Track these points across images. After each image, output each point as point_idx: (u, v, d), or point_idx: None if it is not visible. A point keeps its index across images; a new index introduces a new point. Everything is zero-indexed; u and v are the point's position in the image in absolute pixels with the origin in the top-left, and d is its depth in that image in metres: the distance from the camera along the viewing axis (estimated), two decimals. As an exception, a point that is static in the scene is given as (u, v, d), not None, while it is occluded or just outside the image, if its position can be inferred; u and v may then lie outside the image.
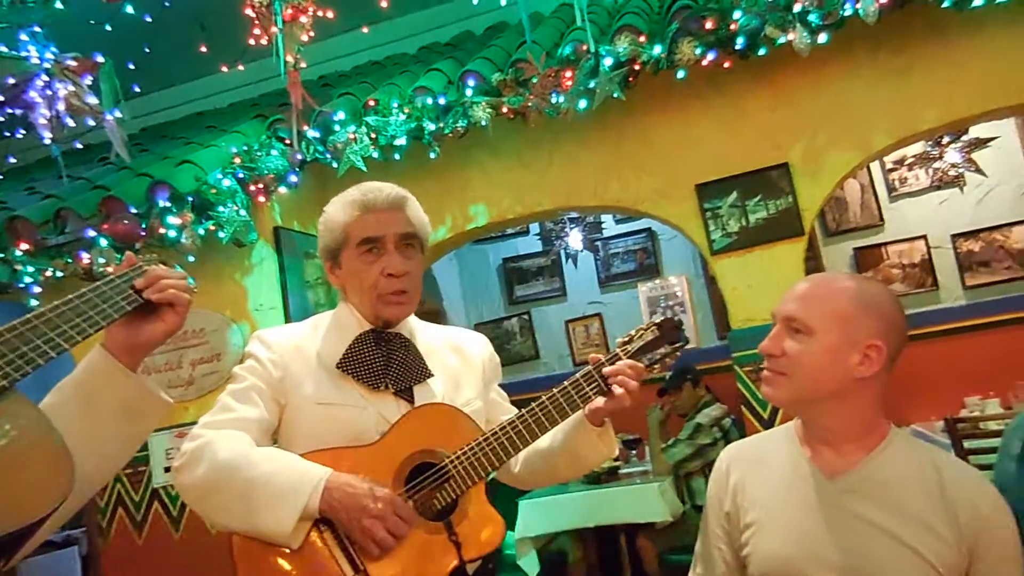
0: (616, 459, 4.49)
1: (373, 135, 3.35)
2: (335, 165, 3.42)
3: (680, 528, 3.75)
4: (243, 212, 3.19)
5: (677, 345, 1.54)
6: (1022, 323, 4.43)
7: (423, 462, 1.47)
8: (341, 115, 3.39)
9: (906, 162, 4.88)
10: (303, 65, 3.21)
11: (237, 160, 3.28)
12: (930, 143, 4.74)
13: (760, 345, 1.38)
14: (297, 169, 3.41)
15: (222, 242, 3.21)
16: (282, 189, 3.42)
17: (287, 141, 3.41)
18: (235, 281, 3.47)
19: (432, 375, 1.56)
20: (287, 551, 1.37)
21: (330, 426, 1.48)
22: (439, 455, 1.47)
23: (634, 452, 4.68)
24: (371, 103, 3.40)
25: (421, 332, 1.65)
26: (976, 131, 4.68)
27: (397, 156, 3.44)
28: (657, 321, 1.55)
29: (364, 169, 3.30)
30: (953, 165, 4.76)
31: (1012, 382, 4.07)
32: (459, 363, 1.64)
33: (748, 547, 1.38)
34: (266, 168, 3.26)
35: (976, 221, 4.78)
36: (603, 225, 5.57)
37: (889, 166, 4.92)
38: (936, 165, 4.80)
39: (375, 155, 3.41)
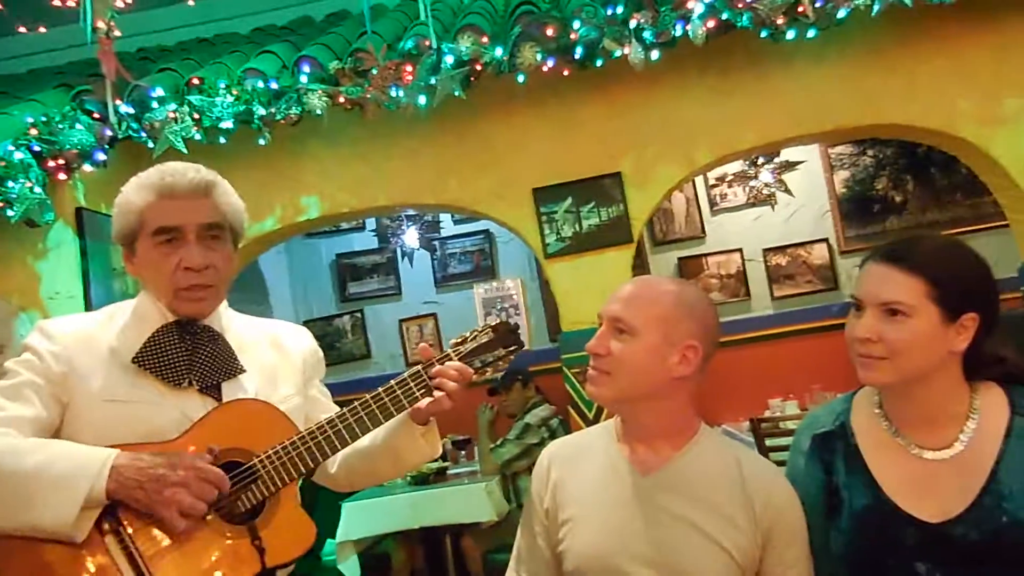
0: (445, 459, 4.47)
1: (196, 116, 3.12)
2: (151, 145, 3.15)
3: (505, 527, 3.79)
4: (38, 189, 2.86)
5: (511, 349, 1.53)
6: (820, 332, 4.84)
7: (229, 461, 1.36)
8: (160, 92, 3.13)
9: (726, 179, 5.23)
10: (116, 33, 2.93)
11: (33, 131, 2.94)
12: (747, 163, 5.11)
13: (587, 345, 1.40)
14: (106, 146, 3.10)
15: (11, 221, 2.87)
16: (87, 167, 3.10)
17: (95, 115, 3.10)
18: (26, 265, 3.10)
19: (244, 371, 1.45)
20: (57, 551, 1.21)
21: (121, 425, 1.34)
22: (247, 454, 1.37)
23: (463, 452, 4.68)
24: (195, 81, 3.17)
25: (235, 324, 1.53)
26: (787, 154, 5.10)
27: (222, 140, 3.23)
28: (493, 324, 1.54)
29: (184, 151, 3.06)
30: (766, 184, 5.15)
31: (809, 386, 4.45)
32: (277, 358, 1.54)
33: (564, 543, 1.39)
34: (68, 143, 2.94)
35: (784, 237, 5.19)
36: (441, 224, 5.55)
37: (711, 182, 5.25)
38: (752, 183, 5.17)
39: (198, 137, 3.18)
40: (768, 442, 3.50)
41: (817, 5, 2.99)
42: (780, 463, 1.48)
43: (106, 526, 1.25)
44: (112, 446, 1.29)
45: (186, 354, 1.40)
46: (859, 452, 1.35)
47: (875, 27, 3.24)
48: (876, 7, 2.98)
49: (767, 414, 4.32)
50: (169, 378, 1.38)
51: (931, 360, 1.26)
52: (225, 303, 1.54)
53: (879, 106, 3.37)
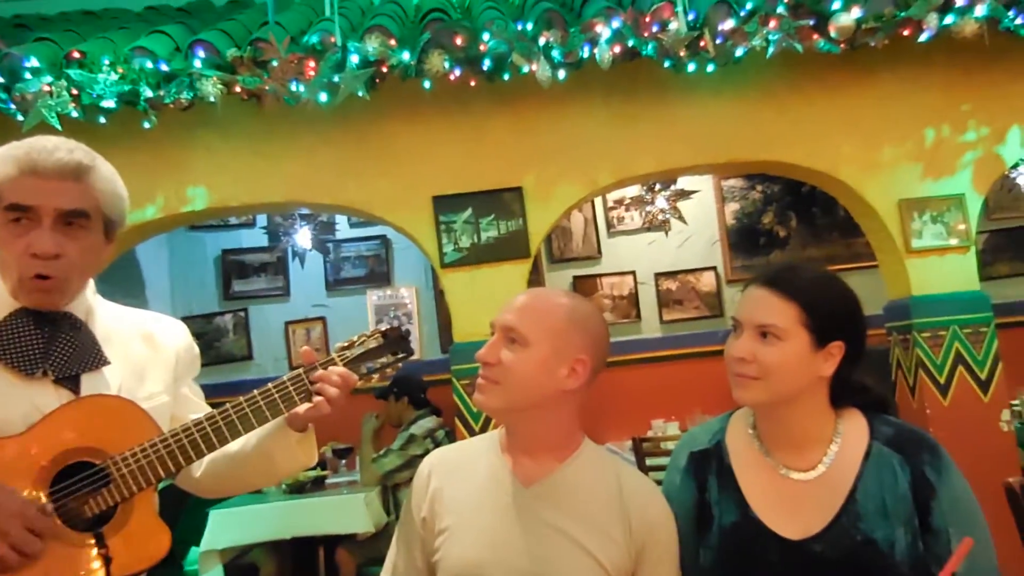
0: (324, 468, 4.34)
1: (75, 91, 2.92)
2: (21, 118, 2.92)
3: (382, 540, 3.70)
4: None
5: (400, 356, 1.49)
6: (704, 357, 4.98)
7: (80, 461, 1.26)
8: (35, 62, 2.91)
9: (624, 203, 5.36)
10: (-11, -4, 2.71)
11: None
12: (645, 188, 5.25)
13: (477, 353, 1.39)
14: (-31, 115, 2.86)
15: None
16: (-54, 135, 2.84)
17: (-42, 80, 2.85)
18: None
19: (108, 363, 1.35)
20: None
21: None
22: (101, 455, 1.27)
23: (344, 462, 4.56)
24: (76, 55, 2.96)
25: (102, 314, 1.43)
26: (683, 183, 5.27)
27: (102, 119, 3.04)
28: (382, 329, 1.49)
29: (58, 127, 2.85)
30: (662, 211, 5.31)
31: (690, 408, 4.59)
32: (147, 352, 1.44)
33: (439, 552, 1.37)
34: (-76, 107, 2.69)
35: (675, 263, 5.35)
36: (336, 226, 5.42)
37: (610, 205, 5.36)
38: (648, 209, 5.32)
39: (75, 114, 2.97)
40: (648, 461, 3.58)
41: (717, 42, 3.11)
42: (660, 482, 1.51)
43: None
44: None
45: (41, 342, 1.30)
46: (731, 471, 1.39)
47: (769, 69, 3.40)
48: (771, 49, 3.13)
49: (649, 434, 4.42)
50: (19, 366, 1.27)
51: (800, 383, 1.31)
52: (93, 290, 1.44)
53: (769, 143, 3.53)
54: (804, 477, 1.34)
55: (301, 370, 1.40)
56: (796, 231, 5.37)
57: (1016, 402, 4.30)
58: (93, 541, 1.24)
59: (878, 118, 3.50)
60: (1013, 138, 3.50)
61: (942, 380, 3.36)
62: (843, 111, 3.51)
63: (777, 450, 1.37)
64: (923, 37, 3.17)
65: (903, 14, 3.08)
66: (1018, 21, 3.11)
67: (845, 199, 3.71)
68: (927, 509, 1.28)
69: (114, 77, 2.91)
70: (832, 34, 3.09)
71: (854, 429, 1.36)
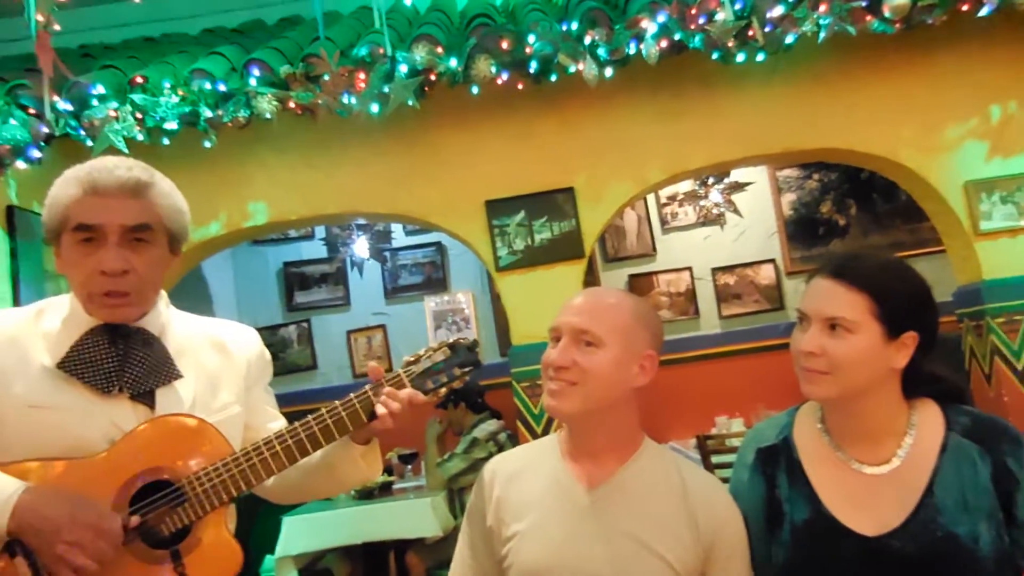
0: (391, 474, 4.40)
1: (139, 115, 3.03)
2: (90, 143, 3.05)
3: (450, 543, 3.70)
4: (-33, 186, 2.74)
5: (467, 369, 1.48)
6: (766, 351, 4.91)
7: (156, 480, 1.30)
8: (101, 89, 3.03)
9: (677, 199, 5.30)
10: (56, 27, 2.83)
11: (-36, 126, 2.82)
12: (698, 183, 5.18)
13: (551, 359, 1.37)
14: (42, 143, 2.99)
15: (-63, 219, 2.75)
16: (20, 164, 2.97)
17: (31, 111, 2.98)
18: (-48, 266, 2.97)
19: (180, 376, 1.38)
20: None
21: (45, 433, 1.27)
22: (176, 474, 1.31)
23: (409, 467, 4.61)
24: (139, 80, 3.08)
25: (174, 326, 1.46)
26: (736, 175, 5.18)
27: (165, 141, 3.14)
28: (450, 341, 1.48)
29: (124, 150, 2.96)
30: (716, 204, 5.23)
31: (755, 404, 4.51)
32: (220, 362, 1.47)
33: (508, 559, 1.37)
34: (1, 138, 2.82)
35: (732, 257, 5.26)
36: (392, 235, 5.49)
37: (663, 201, 5.30)
38: (702, 203, 5.25)
39: (140, 137, 3.09)
40: (714, 459, 3.53)
41: (766, 30, 3.05)
42: (726, 480, 1.48)
43: (22, 550, 1.18)
44: (27, 460, 1.24)
45: (116, 359, 1.33)
46: (801, 466, 1.36)
47: (820, 54, 3.32)
48: (822, 34, 3.06)
49: (713, 431, 4.36)
50: (97, 384, 1.31)
51: (872, 376, 1.28)
52: (166, 301, 1.47)
53: (823, 130, 3.45)
54: (878, 471, 1.30)
55: (368, 387, 1.41)
56: (856, 219, 5.22)
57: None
58: (170, 559, 1.27)
59: (938, 98, 3.39)
60: (1086, 111, 3.35)
61: (1019, 367, 3.23)
62: (900, 93, 3.40)
63: (848, 444, 1.34)
64: (983, 11, 3.05)
65: (961, -11, 2.97)
66: (1086, -11, 2.98)
67: (907, 183, 3.59)
68: (1011, 501, 1.23)
69: (175, 99, 3.02)
70: (886, 14, 3.00)
71: (929, 420, 1.32)
